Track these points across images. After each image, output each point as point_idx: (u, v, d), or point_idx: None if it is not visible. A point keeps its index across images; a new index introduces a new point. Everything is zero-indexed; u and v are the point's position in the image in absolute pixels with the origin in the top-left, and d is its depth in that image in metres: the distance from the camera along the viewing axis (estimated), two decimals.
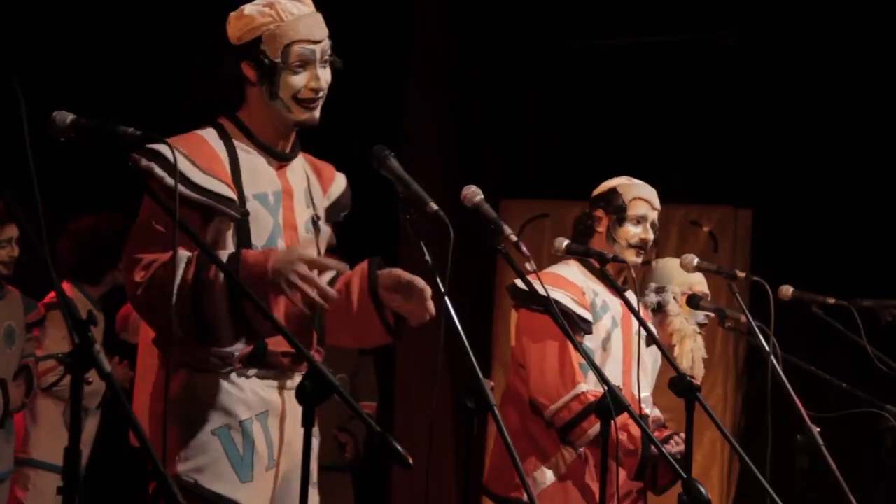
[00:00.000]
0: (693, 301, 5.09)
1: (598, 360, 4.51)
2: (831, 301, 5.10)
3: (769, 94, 8.01)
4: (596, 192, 4.80)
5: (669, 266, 5.11)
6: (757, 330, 4.52)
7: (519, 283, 4.60)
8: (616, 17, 8.24)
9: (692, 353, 5.01)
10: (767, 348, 4.46)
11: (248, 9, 3.41)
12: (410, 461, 2.73)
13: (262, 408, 3.37)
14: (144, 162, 3.23)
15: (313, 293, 3.17)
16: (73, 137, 3.00)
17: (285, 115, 3.39)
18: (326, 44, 3.42)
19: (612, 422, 3.57)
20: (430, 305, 3.35)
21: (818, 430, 4.46)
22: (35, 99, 2.62)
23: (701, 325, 5.10)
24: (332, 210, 3.59)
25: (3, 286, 5.75)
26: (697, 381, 4.85)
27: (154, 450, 2.50)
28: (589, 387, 4.49)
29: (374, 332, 3.50)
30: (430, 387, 7.08)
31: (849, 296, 5.18)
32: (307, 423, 2.83)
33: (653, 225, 4.72)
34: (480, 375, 3.10)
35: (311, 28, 3.40)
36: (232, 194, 3.32)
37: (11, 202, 2.61)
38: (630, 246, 4.64)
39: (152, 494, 3.26)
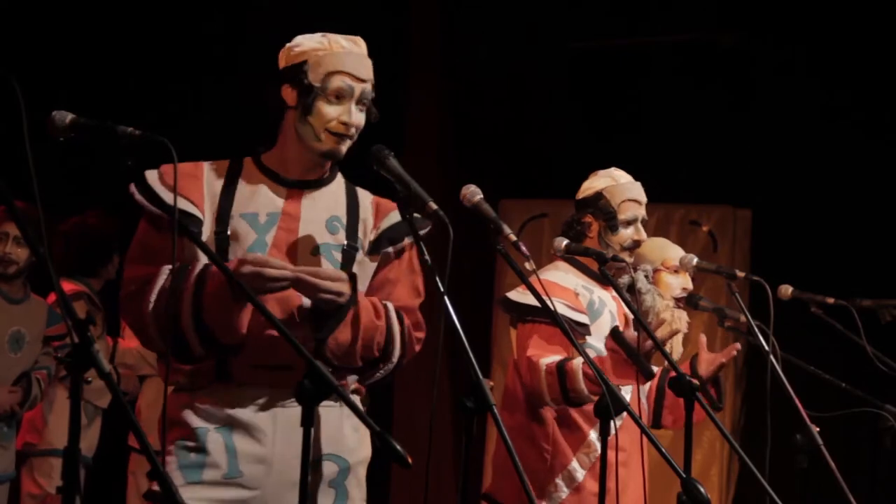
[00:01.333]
0: (692, 300, 5.08)
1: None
2: (831, 301, 5.11)
3: (768, 95, 8.02)
4: (581, 194, 4.72)
5: (642, 245, 5.10)
6: (756, 329, 4.52)
7: (510, 295, 4.60)
8: (615, 17, 8.24)
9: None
10: (767, 348, 4.46)
11: (302, 37, 3.49)
12: (410, 461, 2.73)
13: (224, 422, 3.39)
14: (137, 196, 3.39)
15: (284, 272, 3.25)
16: (72, 137, 3.01)
17: (312, 143, 3.44)
18: (368, 87, 3.47)
19: (612, 420, 3.57)
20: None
21: (817, 429, 4.46)
22: (34, 98, 2.62)
23: (677, 299, 5.05)
24: (377, 242, 3.57)
25: (26, 292, 5.79)
26: (676, 357, 4.88)
27: (153, 450, 2.50)
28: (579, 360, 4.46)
29: None
30: (429, 386, 7.08)
31: (848, 295, 5.18)
32: (307, 423, 2.83)
33: (643, 221, 4.68)
34: (480, 375, 3.10)
35: (357, 65, 3.46)
36: (195, 211, 3.40)
37: (10, 202, 2.61)
38: (623, 249, 4.62)
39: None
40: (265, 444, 3.38)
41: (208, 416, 3.38)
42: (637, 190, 4.68)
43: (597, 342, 4.52)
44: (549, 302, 3.52)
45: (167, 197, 3.35)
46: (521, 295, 4.55)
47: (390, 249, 3.54)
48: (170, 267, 3.29)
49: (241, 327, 3.28)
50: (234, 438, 3.37)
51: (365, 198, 3.59)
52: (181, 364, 3.39)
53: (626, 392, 4.52)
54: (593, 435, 4.53)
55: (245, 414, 3.38)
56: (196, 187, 3.44)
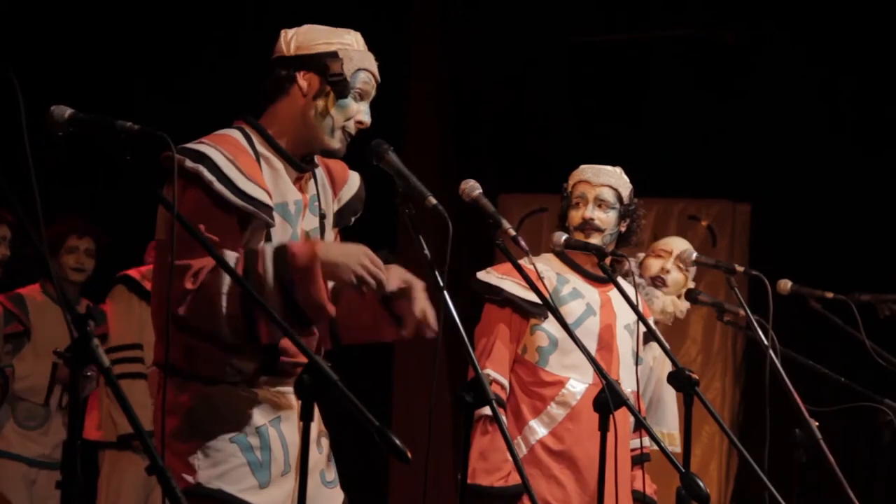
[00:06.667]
0: (691, 295, 5.09)
1: (561, 346, 4.52)
2: (829, 295, 5.11)
3: (767, 89, 8.01)
4: None
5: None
6: (755, 324, 4.52)
7: (478, 274, 4.63)
8: (614, 12, 8.24)
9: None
10: (766, 342, 4.46)
11: (317, 26, 3.43)
12: (409, 455, 2.73)
13: (275, 413, 3.37)
14: (189, 163, 3.21)
15: (373, 283, 3.20)
16: (71, 132, 2.99)
17: (321, 135, 3.38)
18: (375, 89, 3.46)
19: (611, 416, 3.56)
20: (422, 308, 3.31)
21: (816, 424, 4.46)
22: (33, 94, 2.62)
23: (653, 278, 5.18)
24: (341, 214, 3.58)
25: None
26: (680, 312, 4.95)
27: (153, 445, 2.50)
28: (495, 374, 4.52)
29: (385, 326, 3.47)
30: (428, 381, 7.08)
31: (847, 290, 5.19)
32: (306, 418, 2.83)
33: (598, 201, 4.63)
34: (479, 369, 3.10)
35: (375, 66, 3.45)
36: (270, 202, 3.30)
37: (11, 198, 2.60)
38: (576, 229, 4.64)
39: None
40: (298, 430, 3.39)
41: (264, 409, 3.35)
42: (592, 173, 4.69)
43: (550, 326, 4.54)
44: (550, 300, 3.52)
45: (242, 184, 3.23)
46: (485, 274, 4.65)
47: (352, 221, 3.57)
48: (233, 255, 3.17)
49: (328, 303, 3.20)
50: (283, 429, 3.37)
51: (317, 162, 3.55)
52: (234, 349, 3.27)
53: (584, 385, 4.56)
54: (533, 423, 4.56)
55: (287, 401, 3.39)
56: (258, 170, 3.33)
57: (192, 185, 3.21)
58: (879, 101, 7.79)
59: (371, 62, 3.44)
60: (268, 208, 3.29)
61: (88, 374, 5.33)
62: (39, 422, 6.12)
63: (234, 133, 3.37)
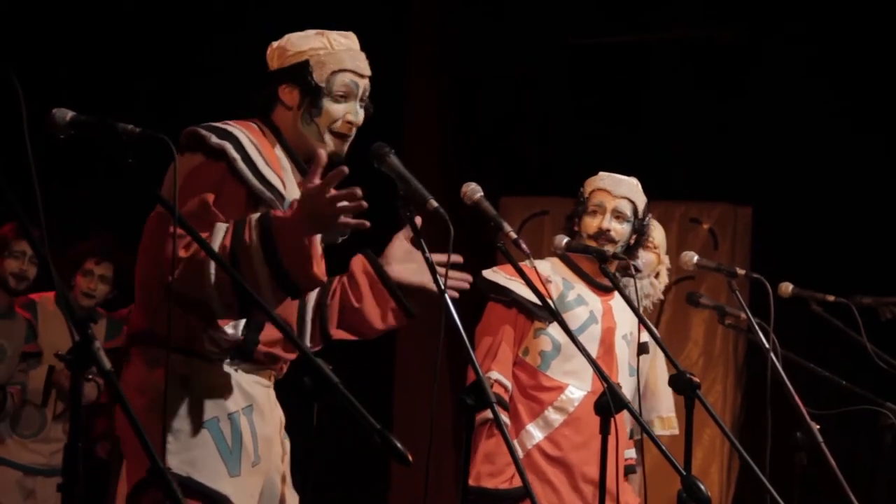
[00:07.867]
0: (692, 298, 5.09)
1: (564, 351, 4.53)
2: (831, 298, 5.11)
3: (768, 91, 8.01)
4: None
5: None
6: (757, 327, 4.52)
7: (485, 272, 4.63)
8: (614, 13, 8.24)
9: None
10: (767, 345, 4.46)
11: (294, 36, 3.46)
12: (410, 458, 2.73)
13: (247, 402, 3.37)
14: (215, 140, 3.27)
15: (354, 204, 3.12)
16: (72, 134, 2.99)
17: (314, 142, 3.42)
18: (367, 83, 3.47)
19: (613, 419, 3.56)
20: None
21: (818, 427, 4.46)
22: (34, 96, 2.61)
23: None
24: None
25: (11, 307, 5.90)
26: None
27: (153, 447, 2.49)
28: (499, 376, 4.52)
29: (388, 316, 3.52)
30: (429, 383, 7.09)
31: (848, 293, 5.18)
32: (308, 421, 2.83)
33: (616, 213, 4.64)
34: (480, 372, 3.10)
35: (359, 62, 3.46)
36: (283, 192, 3.34)
37: (12, 200, 2.60)
38: (590, 237, 4.63)
39: (136, 487, 3.25)
40: (268, 423, 3.41)
41: (236, 395, 3.34)
42: (612, 182, 4.69)
43: (554, 331, 4.54)
44: (553, 305, 3.52)
45: (265, 171, 3.28)
46: (492, 273, 4.64)
47: (338, 240, 3.57)
48: (223, 225, 3.17)
49: (318, 269, 3.18)
50: (255, 420, 3.37)
51: None
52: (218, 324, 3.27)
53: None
54: (531, 427, 4.56)
55: (258, 392, 3.40)
56: (275, 159, 3.38)
57: (216, 160, 3.27)
58: (881, 103, 7.79)
59: (353, 60, 3.45)
60: (281, 197, 3.32)
61: (89, 377, 5.33)
62: (35, 430, 6.13)
63: (253, 125, 3.43)
